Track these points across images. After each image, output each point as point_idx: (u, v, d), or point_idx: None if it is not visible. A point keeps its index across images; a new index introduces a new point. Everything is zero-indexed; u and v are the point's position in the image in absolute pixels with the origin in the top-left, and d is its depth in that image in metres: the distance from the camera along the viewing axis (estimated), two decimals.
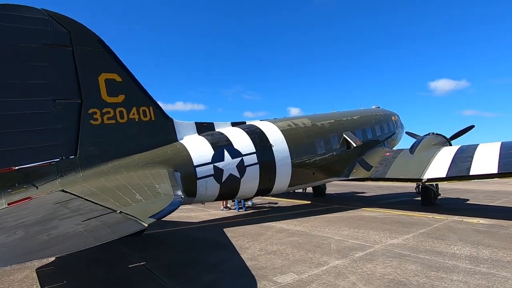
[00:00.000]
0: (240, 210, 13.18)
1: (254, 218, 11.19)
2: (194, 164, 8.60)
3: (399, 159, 13.66)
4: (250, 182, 9.83)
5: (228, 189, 9.43)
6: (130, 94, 7.89)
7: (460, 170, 11.20)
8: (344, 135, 13.62)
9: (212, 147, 9.18)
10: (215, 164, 8.99)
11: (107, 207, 4.35)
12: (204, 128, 9.88)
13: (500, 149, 11.45)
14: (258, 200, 17.12)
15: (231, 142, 9.64)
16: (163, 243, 7.69)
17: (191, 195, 8.63)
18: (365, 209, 13.41)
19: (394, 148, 17.67)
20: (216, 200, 9.64)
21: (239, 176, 9.47)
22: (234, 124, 10.84)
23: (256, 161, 9.89)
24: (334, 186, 25.91)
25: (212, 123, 10.27)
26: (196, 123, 9.77)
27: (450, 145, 15.37)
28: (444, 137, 15.74)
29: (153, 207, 4.36)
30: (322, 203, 15.53)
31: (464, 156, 12.01)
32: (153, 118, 8.33)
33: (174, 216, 11.92)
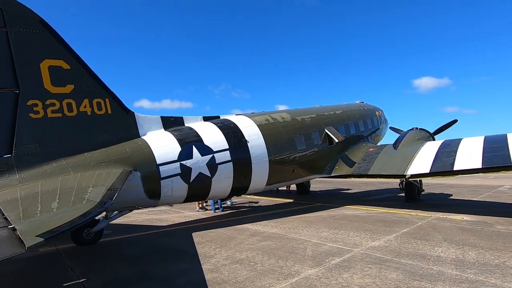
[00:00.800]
0: (216, 211, 12.35)
1: (229, 220, 10.39)
2: (158, 163, 7.71)
3: (382, 155, 13.14)
4: (222, 181, 9.01)
5: (198, 190, 8.59)
6: (81, 84, 6.92)
7: (443, 165, 10.73)
8: (326, 130, 12.97)
9: (179, 144, 8.31)
10: (182, 162, 8.12)
11: (4, 220, 3.45)
12: (171, 123, 8.98)
13: (484, 143, 11.05)
14: (238, 199, 16.34)
15: (201, 138, 8.79)
16: (116, 253, 6.78)
17: (154, 196, 7.74)
18: (348, 207, 12.85)
19: (378, 144, 17.23)
20: (185, 201, 8.78)
21: (209, 175, 8.64)
22: (206, 119, 9.99)
23: (229, 158, 9.08)
24: (319, 183, 25.42)
25: (181, 118, 9.38)
26: (162, 117, 8.85)
27: (434, 140, 15.01)
28: (428, 132, 15.37)
29: (53, 221, 3.46)
30: (304, 201, 14.90)
31: (448, 151, 11.58)
32: (109, 112, 7.38)
33: (142, 219, 10.99)
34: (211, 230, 8.70)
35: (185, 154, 8.22)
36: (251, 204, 14.43)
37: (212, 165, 8.69)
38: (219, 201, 12.23)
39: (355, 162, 13.28)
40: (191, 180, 8.25)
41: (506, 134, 11.10)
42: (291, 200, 15.65)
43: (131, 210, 8.00)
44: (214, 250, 6.60)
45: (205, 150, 8.62)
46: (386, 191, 19.20)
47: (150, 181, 7.49)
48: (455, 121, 16.62)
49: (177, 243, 7.33)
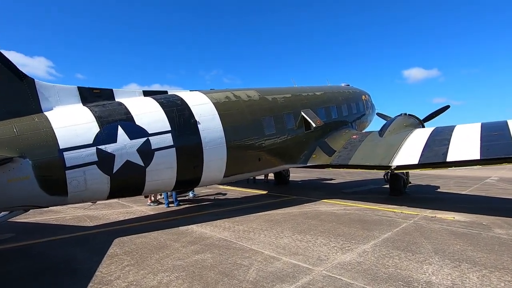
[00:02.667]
0: (171, 205, 10.44)
1: (177, 219, 8.50)
2: (61, 147, 5.66)
3: (366, 142, 11.38)
4: (162, 172, 7.06)
5: (125, 182, 6.62)
6: None
7: (435, 155, 9.02)
8: (303, 113, 11.06)
9: (99, 123, 6.26)
10: (100, 147, 6.10)
11: None
12: (94, 96, 6.88)
13: (481, 131, 9.36)
14: (204, 190, 14.43)
15: (132, 117, 6.75)
16: None
17: (57, 192, 5.74)
18: (326, 201, 11.15)
19: (364, 131, 15.49)
20: (111, 197, 6.80)
21: (142, 163, 6.66)
22: (148, 93, 7.90)
23: (172, 143, 7.10)
24: (301, 172, 23.76)
25: (111, 90, 7.26)
26: (80, 88, 6.73)
27: (423, 127, 13.31)
28: (417, 118, 13.63)
29: None
30: (279, 194, 13.15)
31: (440, 139, 9.88)
32: None
33: (71, 216, 8.97)
34: (143, 234, 6.79)
35: (106, 136, 6.19)
36: (216, 197, 12.57)
37: (146, 151, 6.69)
38: (173, 193, 10.31)
39: (335, 151, 11.49)
40: (114, 170, 6.26)
41: (506, 121, 9.42)
42: (265, 192, 13.88)
43: (26, 210, 5.99)
44: (122, 270, 4.70)
45: (136, 131, 6.60)
46: (372, 181, 17.61)
47: (47, 171, 5.48)
48: (447, 107, 14.92)
49: (79, 256, 5.37)
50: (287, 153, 10.44)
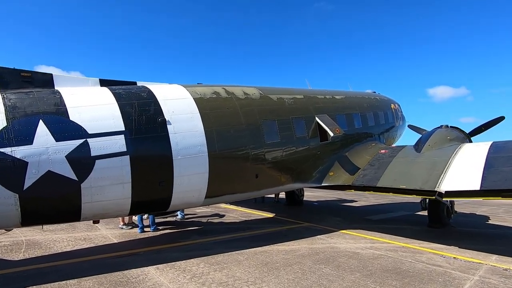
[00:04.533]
0: (147, 229, 8.23)
1: (140, 253, 6.21)
2: None
3: (399, 159, 8.75)
4: (107, 189, 4.89)
5: (46, 204, 4.49)
6: None
7: (505, 179, 6.27)
8: (317, 119, 8.66)
9: (7, 115, 4.25)
10: (2, 150, 4.05)
11: None
12: (21, 81, 4.91)
13: None
14: (202, 209, 12.12)
15: (65, 110, 4.71)
16: None
17: None
18: (345, 233, 8.51)
19: (394, 146, 12.76)
20: (26, 224, 4.69)
21: (74, 176, 4.53)
22: (106, 83, 5.87)
23: (124, 148, 4.96)
24: (318, 191, 20.94)
25: (50, 75, 5.29)
26: (1, 68, 4.81)
27: (470, 142, 10.44)
28: (463, 131, 10.76)
29: None
30: (288, 219, 10.60)
31: (507, 157, 7.09)
32: None
33: (7, 240, 6.92)
34: (70, 282, 4.56)
35: (16, 135, 4.16)
36: (210, 219, 10.23)
37: (81, 159, 4.59)
38: (151, 216, 8.10)
39: (359, 168, 8.92)
40: (25, 186, 4.16)
41: None
42: (271, 216, 11.37)
43: None
44: None
45: (67, 130, 4.54)
46: (402, 206, 14.51)
47: None
48: (501, 119, 11.90)
49: None
50: (296, 168, 8.00)
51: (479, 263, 6.20)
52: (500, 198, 6.26)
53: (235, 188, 6.75)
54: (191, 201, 6.08)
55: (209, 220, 10.04)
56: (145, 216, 8.40)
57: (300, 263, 5.75)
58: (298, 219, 10.43)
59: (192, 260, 5.65)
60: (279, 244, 7.14)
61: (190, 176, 5.73)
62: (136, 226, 8.30)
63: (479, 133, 11.93)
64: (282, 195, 15.54)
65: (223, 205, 13.57)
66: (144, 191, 5.28)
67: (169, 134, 5.49)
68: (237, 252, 6.35)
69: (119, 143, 4.90)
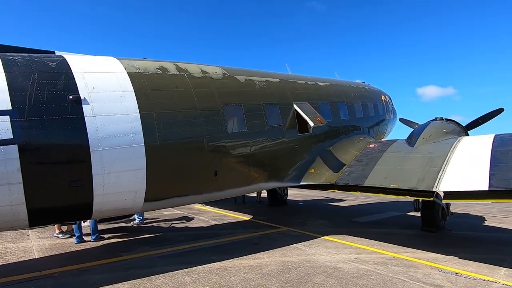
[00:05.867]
0: (87, 238, 6.74)
1: (54, 274, 4.76)
2: None
3: (390, 154, 7.52)
4: None
5: None
6: None
7: None
8: (296, 107, 7.29)
9: None
10: None
11: None
12: None
13: None
14: (170, 211, 10.62)
15: None
16: None
17: None
18: (328, 239, 7.23)
19: (384, 140, 11.53)
20: None
21: None
22: (5, 50, 4.36)
23: (9, 135, 3.50)
24: (304, 189, 19.64)
25: None
26: None
27: (467, 136, 9.27)
28: (459, 124, 9.57)
29: None
30: (265, 222, 9.25)
31: None
32: None
33: None
34: None
35: None
36: (173, 224, 8.78)
37: None
38: (91, 222, 6.61)
39: (344, 164, 7.62)
40: None
41: None
42: (248, 218, 10.00)
43: None
44: None
45: None
46: (393, 205, 13.28)
47: None
48: (501, 110, 10.73)
49: None
50: (268, 165, 6.62)
51: (487, 280, 4.96)
52: (505, 200, 5.02)
53: (186, 188, 5.32)
54: (124, 206, 4.64)
55: (172, 225, 8.60)
56: (86, 223, 6.91)
57: (263, 287, 4.38)
58: (277, 223, 9.09)
59: (117, 285, 4.21)
60: (244, 257, 5.78)
61: (118, 174, 4.29)
62: (71, 235, 6.78)
63: (476, 127, 10.76)
64: (265, 194, 14.20)
65: (196, 206, 12.14)
66: (46, 195, 3.83)
67: (85, 117, 4.04)
68: (186, 270, 4.94)
69: (1, 127, 3.43)
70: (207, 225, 8.76)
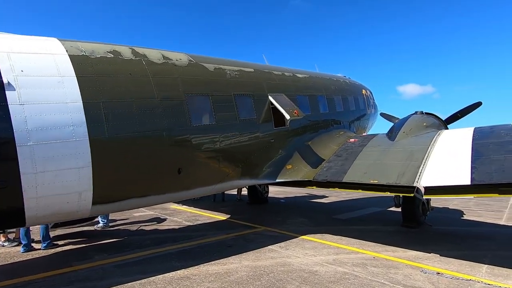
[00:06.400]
0: (37, 246, 5.97)
1: None
2: None
3: (370, 149, 7.18)
4: None
5: None
6: None
7: (503, 170, 4.75)
8: (271, 99, 6.78)
9: None
10: None
11: None
12: None
13: None
14: (140, 212, 9.89)
15: None
16: None
17: None
18: (307, 239, 6.81)
19: (365, 134, 11.25)
20: None
21: None
22: None
23: None
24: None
25: None
26: None
27: (447, 129, 9.15)
28: (438, 117, 9.45)
29: None
30: (242, 221, 8.73)
31: (499, 144, 5.64)
32: None
33: None
34: None
35: None
36: (142, 227, 8.10)
37: None
38: (42, 228, 5.84)
39: (323, 160, 7.21)
40: None
41: None
42: (225, 218, 9.45)
43: None
44: None
45: None
46: (375, 201, 13.08)
47: None
48: (479, 104, 10.69)
49: None
50: (240, 161, 6.07)
51: (469, 279, 4.66)
52: (497, 195, 4.74)
53: (145, 188, 4.69)
54: (68, 210, 3.97)
55: (140, 228, 7.92)
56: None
57: None
58: (255, 222, 8.59)
59: None
60: (213, 262, 5.23)
61: (56, 173, 3.62)
62: (17, 243, 6.00)
63: (455, 121, 10.68)
64: (245, 191, 13.68)
65: (172, 206, 11.47)
66: None
67: (9, 106, 3.34)
68: (143, 281, 4.34)
69: None
70: (179, 226, 8.13)
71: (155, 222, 8.60)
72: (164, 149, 4.69)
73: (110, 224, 8.03)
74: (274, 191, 15.64)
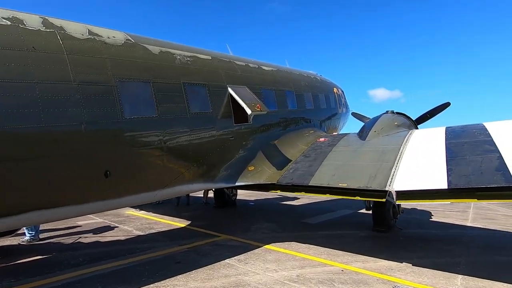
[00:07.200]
0: None
1: None
2: None
3: (340, 148, 6.53)
4: None
5: None
6: None
7: (481, 173, 4.21)
8: (231, 91, 5.90)
9: None
10: None
11: None
12: None
13: None
14: (87, 220, 8.56)
15: None
16: None
17: None
18: (271, 248, 6.03)
19: (336, 134, 10.73)
20: None
21: None
22: None
23: None
24: None
25: None
26: None
27: (417, 129, 8.87)
28: (409, 117, 9.15)
29: None
30: (203, 229, 7.77)
31: (473, 144, 5.19)
32: None
33: None
34: None
35: None
36: (81, 238, 6.87)
37: None
38: None
39: (290, 160, 6.46)
40: None
41: None
42: (185, 224, 8.44)
43: None
44: None
45: None
46: (345, 203, 12.59)
47: None
48: (447, 104, 10.56)
49: None
50: (191, 161, 5.12)
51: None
52: (476, 200, 4.22)
53: (57, 197, 3.61)
54: None
55: (78, 240, 6.69)
56: None
57: None
58: (217, 229, 7.66)
59: None
60: (150, 286, 4.24)
61: None
62: None
63: (425, 121, 10.48)
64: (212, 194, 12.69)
65: (127, 212, 10.24)
66: None
67: None
68: None
69: None
70: (126, 237, 7.00)
71: (100, 232, 7.39)
72: (83, 147, 3.64)
73: (42, 236, 6.72)
74: (244, 193, 14.76)
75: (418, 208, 11.95)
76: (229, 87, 5.85)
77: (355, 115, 12.75)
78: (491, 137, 5.17)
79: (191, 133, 4.98)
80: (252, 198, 14.32)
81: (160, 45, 5.03)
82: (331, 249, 6.05)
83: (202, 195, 12.83)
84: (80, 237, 6.88)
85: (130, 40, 4.58)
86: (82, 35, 3.99)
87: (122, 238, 6.88)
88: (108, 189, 3.98)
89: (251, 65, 7.11)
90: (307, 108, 8.84)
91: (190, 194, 12.67)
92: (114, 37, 4.36)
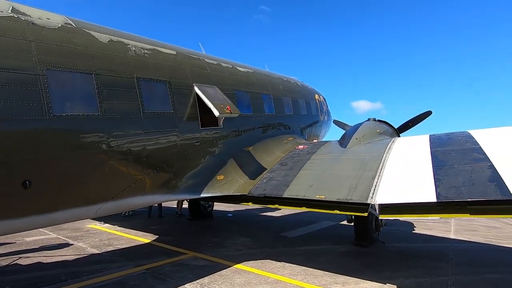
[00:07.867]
0: None
1: None
2: None
3: (319, 156, 5.96)
4: None
5: None
6: None
7: (473, 184, 3.67)
8: (197, 90, 5.20)
9: None
10: None
11: None
12: None
13: None
14: (37, 236, 7.46)
15: None
16: None
17: None
18: (241, 268, 5.31)
19: (316, 141, 10.21)
20: None
21: None
22: None
23: None
24: None
25: None
26: None
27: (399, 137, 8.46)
28: (391, 125, 8.77)
29: None
30: (169, 245, 6.92)
31: (461, 152, 4.73)
32: None
33: None
34: None
35: None
36: (21, 260, 5.83)
37: None
38: None
39: (265, 169, 5.79)
40: None
41: None
42: (150, 240, 7.53)
43: None
44: None
45: None
46: (326, 215, 11.99)
47: None
48: (429, 113, 10.29)
49: None
50: (146, 169, 4.34)
51: None
52: (468, 215, 3.69)
53: None
54: None
55: (15, 262, 5.65)
56: None
57: None
58: (185, 245, 6.84)
59: None
60: None
61: None
62: None
63: (407, 130, 10.14)
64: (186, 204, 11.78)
65: (89, 225, 9.19)
66: None
67: None
68: None
69: None
70: (76, 257, 6.02)
71: (46, 251, 6.36)
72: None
73: None
74: (223, 204, 13.95)
75: (401, 220, 11.55)
76: (196, 86, 5.16)
77: (336, 122, 12.33)
78: (479, 144, 4.74)
79: (145, 136, 4.22)
80: (231, 209, 13.48)
81: (111, 34, 4.29)
82: (309, 268, 5.39)
83: (176, 206, 11.91)
84: (20, 257, 5.84)
85: (71, 25, 3.82)
86: (1, 12, 3.20)
87: (71, 258, 5.90)
88: (28, 202, 3.14)
89: (223, 64, 6.47)
90: (286, 113, 8.28)
91: (164, 204, 11.77)
92: (48, 19, 3.60)
